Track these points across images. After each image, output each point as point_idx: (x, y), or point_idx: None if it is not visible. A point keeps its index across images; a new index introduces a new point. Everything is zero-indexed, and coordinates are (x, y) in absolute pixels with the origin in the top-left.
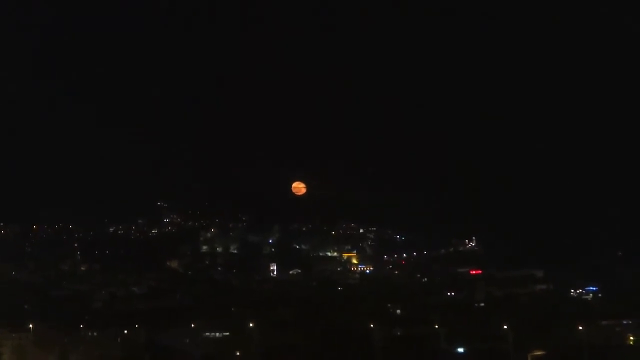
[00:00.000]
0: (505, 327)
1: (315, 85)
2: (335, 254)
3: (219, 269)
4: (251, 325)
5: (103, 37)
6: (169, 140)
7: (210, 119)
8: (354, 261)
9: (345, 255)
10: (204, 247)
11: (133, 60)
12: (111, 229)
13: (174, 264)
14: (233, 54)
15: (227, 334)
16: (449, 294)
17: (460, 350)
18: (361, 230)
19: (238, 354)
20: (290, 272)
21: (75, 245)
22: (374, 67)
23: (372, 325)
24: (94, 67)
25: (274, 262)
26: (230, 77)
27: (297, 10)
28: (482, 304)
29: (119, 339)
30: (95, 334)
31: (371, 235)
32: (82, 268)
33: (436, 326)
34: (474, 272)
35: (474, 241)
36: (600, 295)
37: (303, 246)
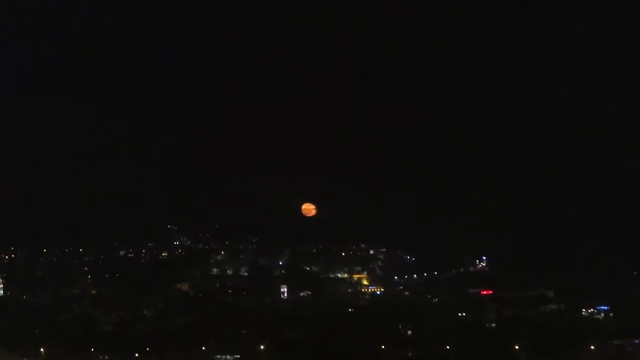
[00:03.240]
0: (516, 347)
1: (328, 106)
2: (345, 275)
3: (230, 291)
4: (262, 347)
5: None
6: (178, 163)
7: (221, 141)
8: (365, 282)
9: (355, 276)
10: (214, 270)
11: (146, 84)
12: (121, 253)
13: (184, 286)
14: (242, 72)
15: (238, 356)
16: (459, 314)
17: None
18: (371, 252)
19: None
20: (301, 294)
21: (86, 268)
22: (386, 91)
23: (382, 347)
24: (109, 93)
25: (284, 284)
26: (240, 98)
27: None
28: (493, 325)
29: None
30: (106, 357)
31: (381, 257)
32: (93, 291)
33: (447, 347)
34: (484, 292)
35: (485, 262)
36: (611, 314)
37: (313, 268)
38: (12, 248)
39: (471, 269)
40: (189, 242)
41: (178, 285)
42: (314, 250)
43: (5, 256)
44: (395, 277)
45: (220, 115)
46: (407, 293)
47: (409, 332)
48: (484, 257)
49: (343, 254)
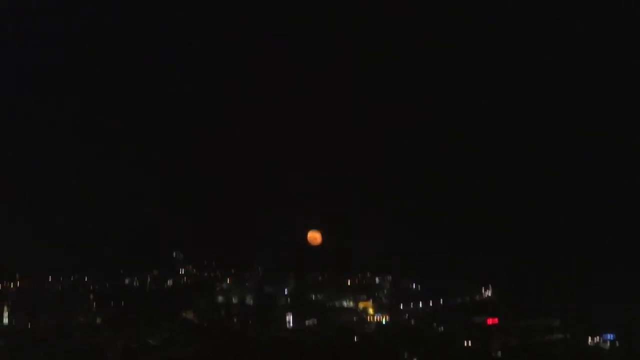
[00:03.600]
0: None
1: (332, 134)
2: (351, 303)
3: (235, 320)
4: None
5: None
6: (184, 191)
7: (225, 168)
8: (370, 311)
9: (361, 304)
10: (220, 298)
11: (154, 109)
12: (127, 281)
13: (189, 315)
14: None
15: None
16: (465, 343)
17: None
18: (377, 280)
19: None
20: (306, 323)
21: (91, 296)
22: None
23: None
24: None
25: (289, 313)
26: (245, 125)
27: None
28: (499, 354)
29: None
30: None
31: (387, 285)
32: (98, 320)
33: None
34: (490, 321)
35: (491, 290)
36: (617, 343)
37: (319, 296)
38: (17, 276)
39: (477, 297)
40: (195, 270)
41: (183, 314)
42: (320, 279)
43: (10, 284)
44: (401, 306)
45: (228, 145)
46: (413, 322)
47: None
48: (490, 286)
49: (348, 282)
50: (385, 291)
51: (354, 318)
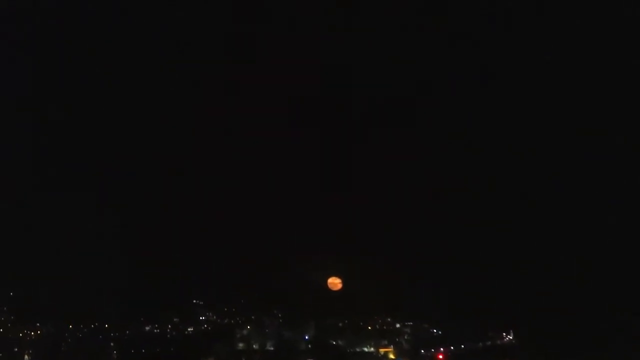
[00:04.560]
0: None
1: (352, 178)
2: (372, 349)
3: None
4: None
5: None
6: (201, 238)
7: (242, 213)
8: (391, 356)
9: (382, 350)
10: (240, 345)
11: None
12: (147, 328)
13: None
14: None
15: None
16: None
17: None
18: (397, 325)
19: None
20: None
21: (112, 344)
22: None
23: None
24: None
25: (310, 358)
26: (261, 169)
27: None
28: None
29: None
30: None
31: (407, 330)
32: None
33: None
34: None
35: (511, 334)
36: None
37: (339, 342)
38: (38, 324)
39: (498, 341)
40: (215, 317)
41: None
42: (340, 324)
43: (31, 332)
44: (422, 351)
45: (243, 188)
46: None
47: None
48: (511, 330)
49: (369, 327)
50: (406, 336)
51: None
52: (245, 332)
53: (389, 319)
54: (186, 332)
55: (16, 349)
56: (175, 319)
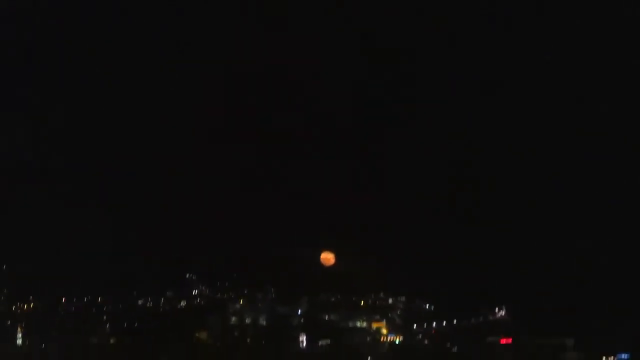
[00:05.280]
0: None
1: (348, 153)
2: (364, 324)
3: (248, 340)
4: None
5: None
6: (196, 212)
7: (237, 188)
8: (384, 331)
9: (374, 325)
10: (233, 319)
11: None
12: (140, 302)
13: (202, 335)
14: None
15: None
16: None
17: None
18: (390, 300)
19: None
20: (320, 343)
21: (104, 317)
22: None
23: None
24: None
25: (303, 333)
26: (259, 145)
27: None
28: None
29: None
30: None
31: (400, 305)
32: (111, 341)
33: None
34: (504, 341)
35: (504, 310)
36: None
37: (332, 317)
38: (31, 297)
39: (490, 317)
40: (208, 291)
41: (197, 335)
42: (333, 299)
43: (23, 306)
44: (414, 326)
45: (238, 163)
46: (426, 342)
47: None
48: (503, 305)
49: (362, 302)
50: (398, 312)
51: (368, 338)
52: (238, 306)
53: (381, 294)
54: (179, 306)
55: (9, 323)
56: (168, 293)
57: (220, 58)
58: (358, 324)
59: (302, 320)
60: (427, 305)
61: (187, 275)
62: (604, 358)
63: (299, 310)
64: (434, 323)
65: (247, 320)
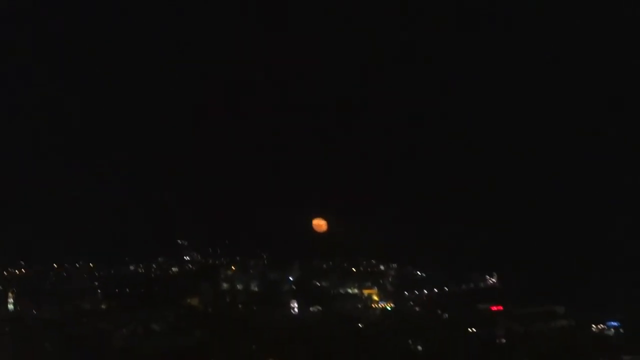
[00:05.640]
0: None
1: (336, 120)
2: (355, 290)
3: (239, 306)
4: None
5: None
6: (187, 178)
7: (231, 156)
8: (375, 298)
9: (365, 291)
10: (224, 285)
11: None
12: (132, 267)
13: (194, 301)
14: (249, 87)
15: None
16: (470, 329)
17: None
18: (382, 267)
19: None
20: (311, 309)
21: (96, 283)
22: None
23: None
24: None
25: (294, 299)
26: (248, 114)
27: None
28: (503, 340)
29: None
30: None
31: (392, 272)
32: (103, 306)
33: None
34: (494, 308)
35: (495, 277)
36: (622, 330)
37: (324, 283)
38: (22, 262)
39: (481, 284)
40: (199, 257)
41: (188, 300)
42: (325, 266)
43: (15, 270)
44: (406, 293)
45: (231, 133)
46: (417, 309)
47: (419, 348)
48: (494, 273)
49: (353, 269)
50: (390, 278)
51: (359, 305)
52: (229, 272)
53: (373, 261)
54: (170, 272)
55: (0, 288)
56: (159, 259)
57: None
58: (349, 291)
59: (293, 287)
60: (419, 272)
61: (179, 241)
62: (593, 326)
63: (291, 277)
64: (425, 290)
65: (239, 287)
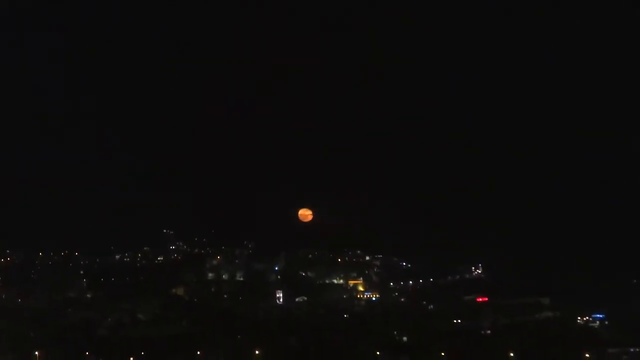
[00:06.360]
0: (511, 354)
1: (322, 111)
2: (341, 281)
3: (225, 296)
4: (257, 352)
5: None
6: (174, 169)
7: (217, 146)
8: (360, 288)
9: (351, 282)
10: (210, 275)
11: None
12: (117, 257)
13: (179, 291)
14: (239, 81)
15: None
16: (455, 321)
17: None
18: (367, 258)
19: None
20: (297, 300)
21: (82, 272)
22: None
23: (378, 353)
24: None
25: (280, 290)
26: (235, 104)
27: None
28: (489, 332)
29: None
30: None
31: (377, 263)
32: (88, 295)
33: (442, 354)
34: (480, 299)
35: (480, 268)
36: (607, 323)
37: (309, 274)
38: (8, 251)
39: (467, 275)
40: (185, 247)
41: (174, 290)
42: (310, 256)
43: (1, 259)
44: (391, 284)
45: (219, 123)
46: (402, 299)
47: (404, 339)
48: (480, 264)
49: (339, 260)
50: (375, 269)
51: (344, 295)
52: (215, 262)
53: (359, 252)
54: (156, 262)
55: None
56: (145, 248)
57: None
58: (335, 281)
59: (279, 277)
60: (404, 263)
61: (164, 230)
62: (578, 318)
63: (276, 267)
64: (411, 281)
65: (224, 276)
